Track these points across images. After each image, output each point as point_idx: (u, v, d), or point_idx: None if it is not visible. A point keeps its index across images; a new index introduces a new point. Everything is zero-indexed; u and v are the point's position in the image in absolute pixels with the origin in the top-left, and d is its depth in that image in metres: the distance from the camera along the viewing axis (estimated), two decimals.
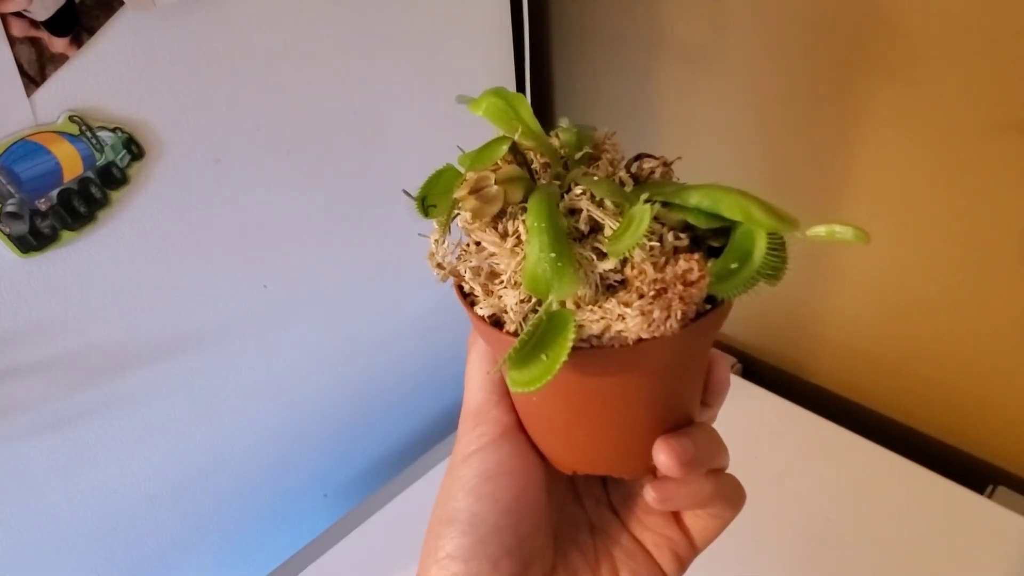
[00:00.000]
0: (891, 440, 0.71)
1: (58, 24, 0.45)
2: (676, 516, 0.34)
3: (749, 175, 0.75)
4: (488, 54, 0.73)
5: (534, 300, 0.27)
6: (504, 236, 0.28)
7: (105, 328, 0.54)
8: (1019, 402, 0.67)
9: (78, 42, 0.46)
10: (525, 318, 0.27)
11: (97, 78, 0.48)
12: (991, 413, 0.69)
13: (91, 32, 0.47)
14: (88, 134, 0.49)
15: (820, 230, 0.26)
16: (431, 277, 0.30)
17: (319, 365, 0.71)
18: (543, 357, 0.25)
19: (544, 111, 0.92)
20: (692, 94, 0.76)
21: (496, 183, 0.28)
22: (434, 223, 0.30)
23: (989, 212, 0.62)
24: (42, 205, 0.48)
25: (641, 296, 0.26)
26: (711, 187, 0.27)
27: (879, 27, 0.61)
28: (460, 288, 0.30)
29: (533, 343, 0.25)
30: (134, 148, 0.51)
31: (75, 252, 0.51)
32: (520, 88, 0.83)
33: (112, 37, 0.48)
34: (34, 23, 0.44)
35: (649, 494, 0.31)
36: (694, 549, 0.34)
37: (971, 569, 0.60)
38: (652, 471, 0.31)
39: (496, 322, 0.28)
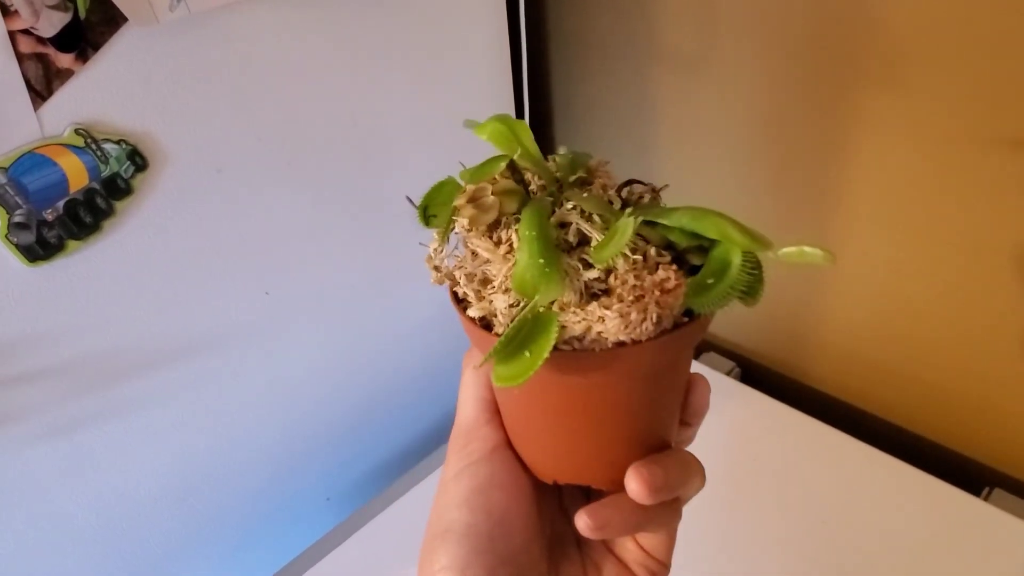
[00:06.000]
0: (888, 443, 0.71)
1: (64, 40, 0.47)
2: (633, 538, 0.34)
3: (746, 182, 0.76)
4: (486, 66, 0.74)
5: (522, 305, 0.28)
6: (498, 244, 0.30)
7: (110, 335, 0.56)
8: (1015, 405, 0.67)
9: (83, 57, 0.48)
10: (513, 321, 0.29)
11: (102, 92, 0.49)
12: (988, 416, 0.69)
13: (96, 48, 0.48)
14: (93, 146, 0.50)
15: (791, 250, 0.27)
16: (430, 285, 0.32)
17: (321, 372, 0.72)
18: (527, 353, 0.26)
19: (542, 122, 0.93)
20: (689, 103, 0.77)
21: (493, 194, 0.30)
22: (434, 232, 0.32)
23: (983, 218, 0.62)
24: (49, 216, 0.49)
25: (621, 301, 0.27)
26: (693, 209, 0.29)
27: (872, 37, 0.62)
28: (454, 293, 0.32)
29: (518, 340, 0.27)
30: (138, 159, 0.53)
31: (81, 261, 0.52)
32: (518, 98, 0.84)
33: (117, 52, 0.49)
34: (41, 40, 0.46)
35: (581, 521, 0.30)
36: (662, 565, 0.34)
37: (967, 572, 0.60)
38: None
39: (486, 326, 0.30)
